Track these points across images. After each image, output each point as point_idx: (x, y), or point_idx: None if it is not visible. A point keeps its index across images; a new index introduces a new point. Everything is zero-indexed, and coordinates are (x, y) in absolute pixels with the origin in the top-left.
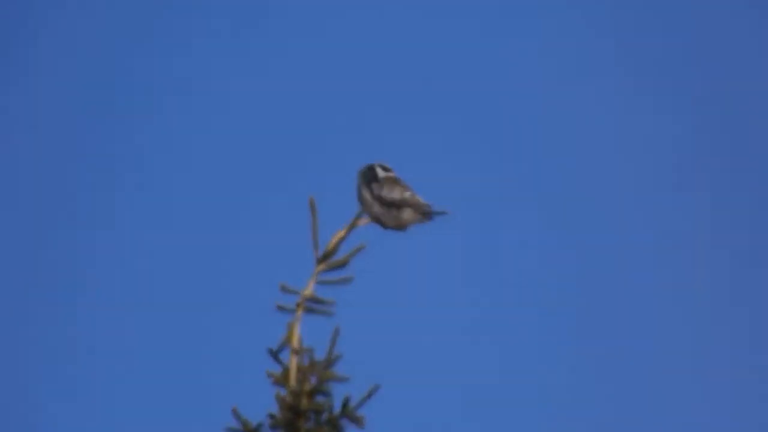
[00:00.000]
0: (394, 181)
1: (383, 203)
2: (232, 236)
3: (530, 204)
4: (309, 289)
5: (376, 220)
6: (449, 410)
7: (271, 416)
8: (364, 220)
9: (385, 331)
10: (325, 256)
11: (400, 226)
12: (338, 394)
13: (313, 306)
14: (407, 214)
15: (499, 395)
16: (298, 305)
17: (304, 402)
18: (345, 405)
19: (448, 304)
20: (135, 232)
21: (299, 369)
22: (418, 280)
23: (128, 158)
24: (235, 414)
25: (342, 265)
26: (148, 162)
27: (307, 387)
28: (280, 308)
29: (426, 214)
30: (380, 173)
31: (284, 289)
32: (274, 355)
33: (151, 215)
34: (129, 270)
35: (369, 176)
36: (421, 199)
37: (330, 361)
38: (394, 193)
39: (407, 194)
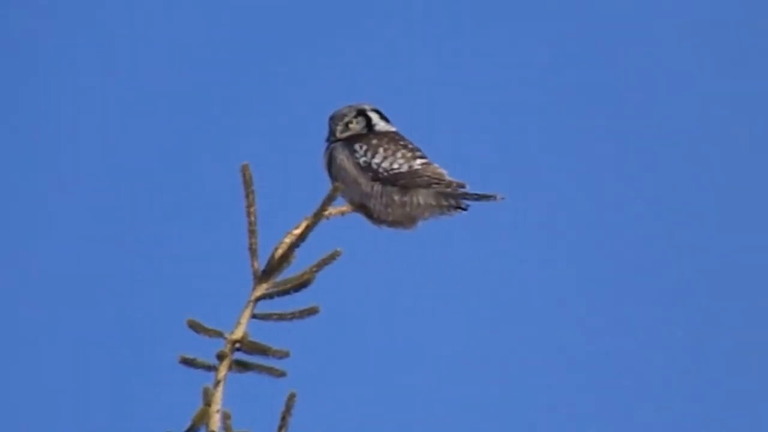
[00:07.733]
0: (396, 140)
1: (378, 178)
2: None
3: None
4: (240, 329)
5: (362, 207)
6: None
7: None
8: (341, 208)
9: (373, 398)
10: (270, 271)
11: (407, 220)
12: None
13: (249, 359)
14: (422, 197)
15: None
16: (221, 357)
17: None
18: None
19: (470, 353)
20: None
21: None
22: (428, 312)
23: None
24: None
25: (300, 285)
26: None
27: None
28: (187, 362)
29: (455, 197)
30: (373, 120)
31: (196, 329)
32: None
33: None
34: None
35: (351, 127)
36: (443, 170)
37: None
38: (396, 162)
39: (417, 163)
